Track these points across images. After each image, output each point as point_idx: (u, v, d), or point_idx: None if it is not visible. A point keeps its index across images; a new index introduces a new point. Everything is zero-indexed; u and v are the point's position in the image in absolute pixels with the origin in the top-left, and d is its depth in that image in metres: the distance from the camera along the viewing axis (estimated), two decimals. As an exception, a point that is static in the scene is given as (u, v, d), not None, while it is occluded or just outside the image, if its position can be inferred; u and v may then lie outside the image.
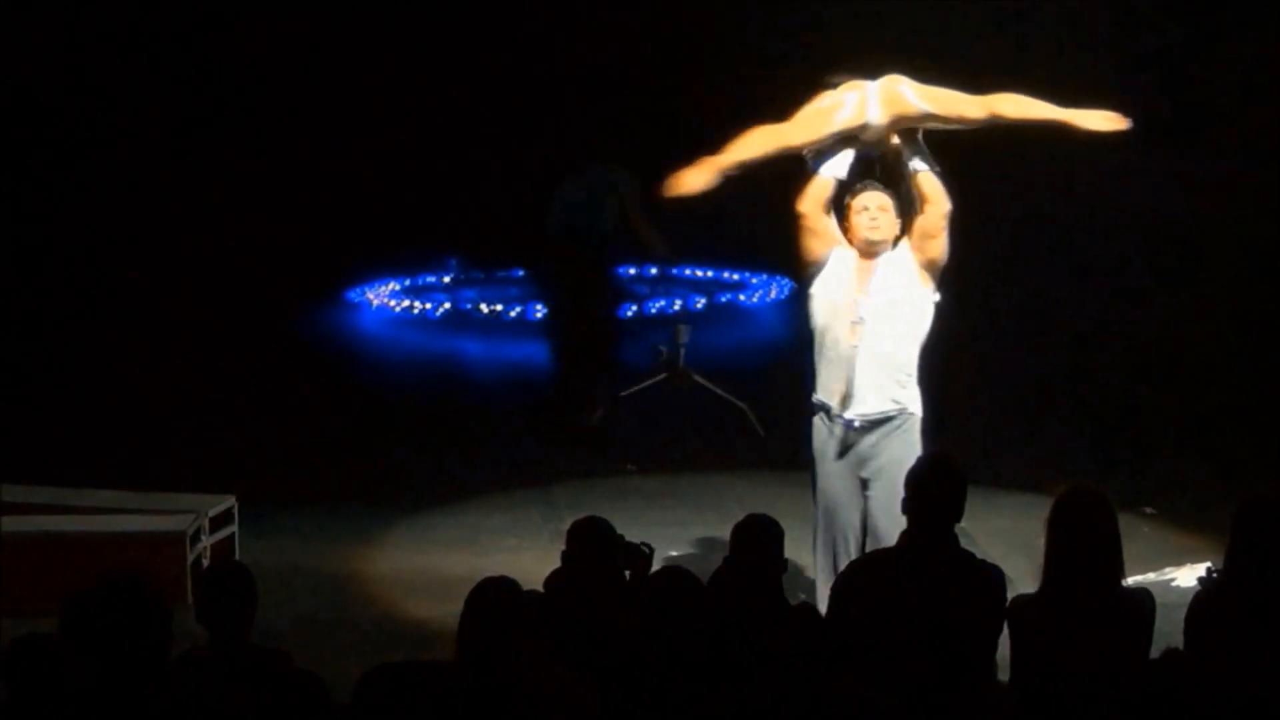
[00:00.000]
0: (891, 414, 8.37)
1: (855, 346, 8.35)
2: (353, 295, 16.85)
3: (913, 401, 8.43)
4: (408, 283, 17.20)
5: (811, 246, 8.51)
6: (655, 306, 16.34)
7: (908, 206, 8.49)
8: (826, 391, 8.43)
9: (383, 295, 16.90)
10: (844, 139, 8.50)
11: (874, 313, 8.37)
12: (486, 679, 5.45)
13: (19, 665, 5.44)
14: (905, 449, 8.30)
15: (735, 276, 17.01)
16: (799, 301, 8.66)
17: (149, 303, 14.72)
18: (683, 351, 10.55)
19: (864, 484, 8.40)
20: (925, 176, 8.42)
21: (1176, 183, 14.63)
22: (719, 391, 10.18)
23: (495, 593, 5.58)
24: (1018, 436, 12.69)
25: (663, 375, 10.51)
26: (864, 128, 8.43)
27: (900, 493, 7.61)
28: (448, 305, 16.63)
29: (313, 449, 12.39)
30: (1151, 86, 13.92)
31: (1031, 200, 15.15)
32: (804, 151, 8.56)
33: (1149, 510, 10.95)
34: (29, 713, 5.40)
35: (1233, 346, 13.58)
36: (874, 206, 8.42)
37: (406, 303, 16.66)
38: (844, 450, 8.39)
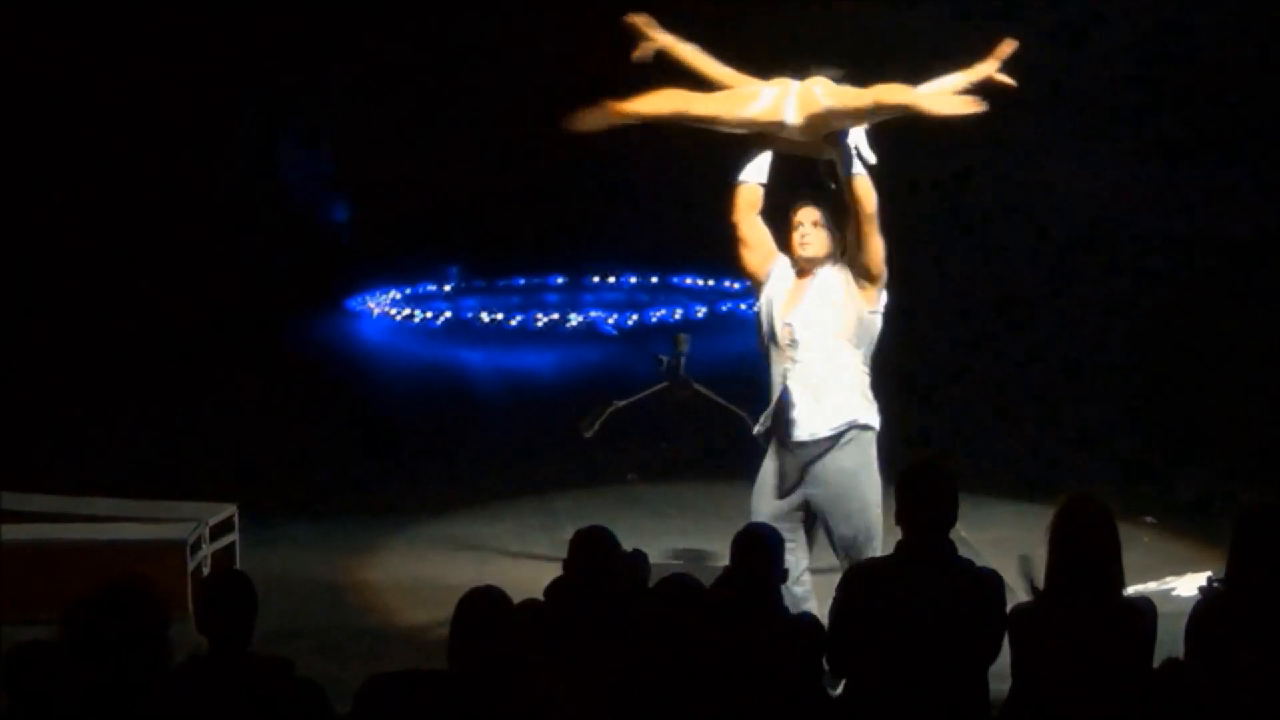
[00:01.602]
0: (839, 431, 8.25)
1: (788, 367, 8.29)
2: (353, 304, 16.88)
3: (863, 414, 8.28)
4: (408, 291, 17.23)
5: (749, 259, 8.44)
6: (656, 315, 16.37)
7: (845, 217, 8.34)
8: (766, 416, 8.39)
9: (383, 304, 16.93)
10: (759, 134, 8.40)
11: (806, 332, 8.28)
12: (482, 688, 5.46)
13: (20, 672, 5.45)
14: (856, 461, 8.26)
15: (736, 285, 17.03)
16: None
17: (149, 311, 14.73)
18: (683, 361, 10.53)
19: (807, 504, 8.33)
20: (851, 180, 8.20)
21: (1166, 192, 14.69)
22: (720, 401, 10.16)
23: (483, 603, 5.59)
24: (1017, 445, 12.71)
25: (663, 384, 10.50)
26: (780, 125, 8.29)
27: (856, 501, 8.03)
28: (448, 314, 16.65)
29: (313, 457, 12.41)
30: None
31: (1027, 208, 15.18)
32: (716, 126, 8.40)
33: (1149, 519, 10.95)
34: (30, 720, 5.41)
35: (1232, 353, 13.59)
36: (807, 222, 8.31)
37: (407, 311, 16.69)
38: (784, 473, 8.32)
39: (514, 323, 16.34)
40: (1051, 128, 14.51)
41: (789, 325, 8.28)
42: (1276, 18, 14.13)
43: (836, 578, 6.62)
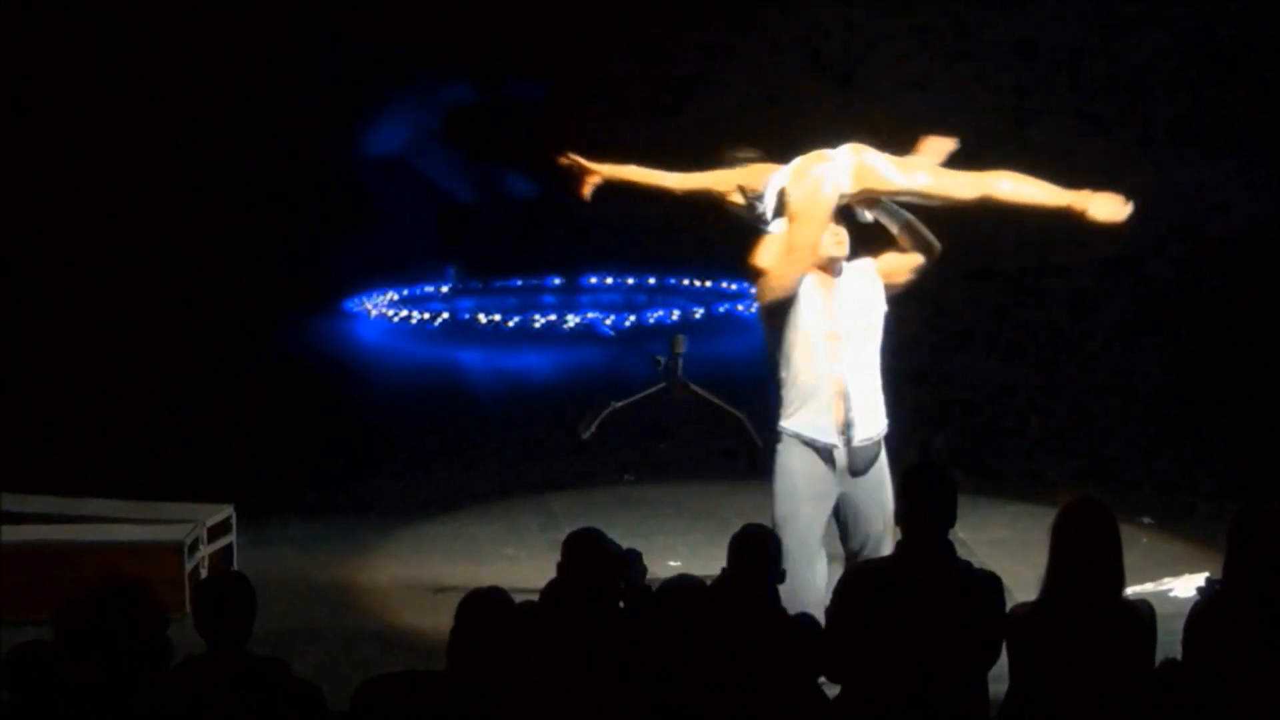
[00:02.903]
0: (884, 433, 8.34)
1: (840, 370, 8.25)
2: (350, 305, 16.87)
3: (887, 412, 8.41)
4: (406, 292, 17.24)
5: (786, 289, 8.34)
6: (653, 316, 16.37)
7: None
8: (813, 424, 8.27)
9: (381, 305, 16.93)
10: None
11: (854, 333, 8.31)
12: (480, 689, 5.46)
13: (19, 673, 5.45)
14: (885, 456, 8.33)
15: (733, 286, 17.04)
16: (766, 329, 8.42)
17: (148, 312, 14.73)
18: (680, 362, 10.54)
19: (847, 501, 8.32)
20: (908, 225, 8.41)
21: (1173, 189, 14.69)
22: (716, 402, 10.18)
23: (484, 604, 5.59)
24: (1016, 447, 12.71)
25: (660, 385, 10.52)
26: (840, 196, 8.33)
27: (887, 493, 8.05)
28: (446, 315, 16.66)
29: (311, 458, 12.40)
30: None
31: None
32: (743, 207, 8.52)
33: (1146, 520, 10.95)
34: (28, 720, 5.42)
35: (1232, 353, 13.60)
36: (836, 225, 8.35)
37: (405, 312, 16.68)
38: (822, 476, 8.26)
39: (511, 323, 16.35)
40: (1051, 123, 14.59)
41: (836, 329, 8.28)
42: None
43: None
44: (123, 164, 15.47)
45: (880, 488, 8.27)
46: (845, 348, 8.28)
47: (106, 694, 5.47)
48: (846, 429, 8.26)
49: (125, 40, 15.36)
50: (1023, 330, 14.79)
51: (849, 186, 8.33)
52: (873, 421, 8.31)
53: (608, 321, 16.36)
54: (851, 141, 8.45)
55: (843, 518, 8.36)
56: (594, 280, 17.62)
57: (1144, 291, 14.67)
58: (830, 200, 8.31)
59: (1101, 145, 14.65)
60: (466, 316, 16.56)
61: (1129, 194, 8.29)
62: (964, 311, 14.81)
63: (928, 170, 8.39)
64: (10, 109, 14.66)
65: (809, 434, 8.27)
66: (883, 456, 8.34)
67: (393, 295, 17.11)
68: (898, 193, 8.36)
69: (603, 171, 8.66)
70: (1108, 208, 8.36)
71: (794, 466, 8.28)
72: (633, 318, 16.34)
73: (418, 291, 17.33)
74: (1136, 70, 15.04)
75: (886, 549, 8.02)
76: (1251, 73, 14.75)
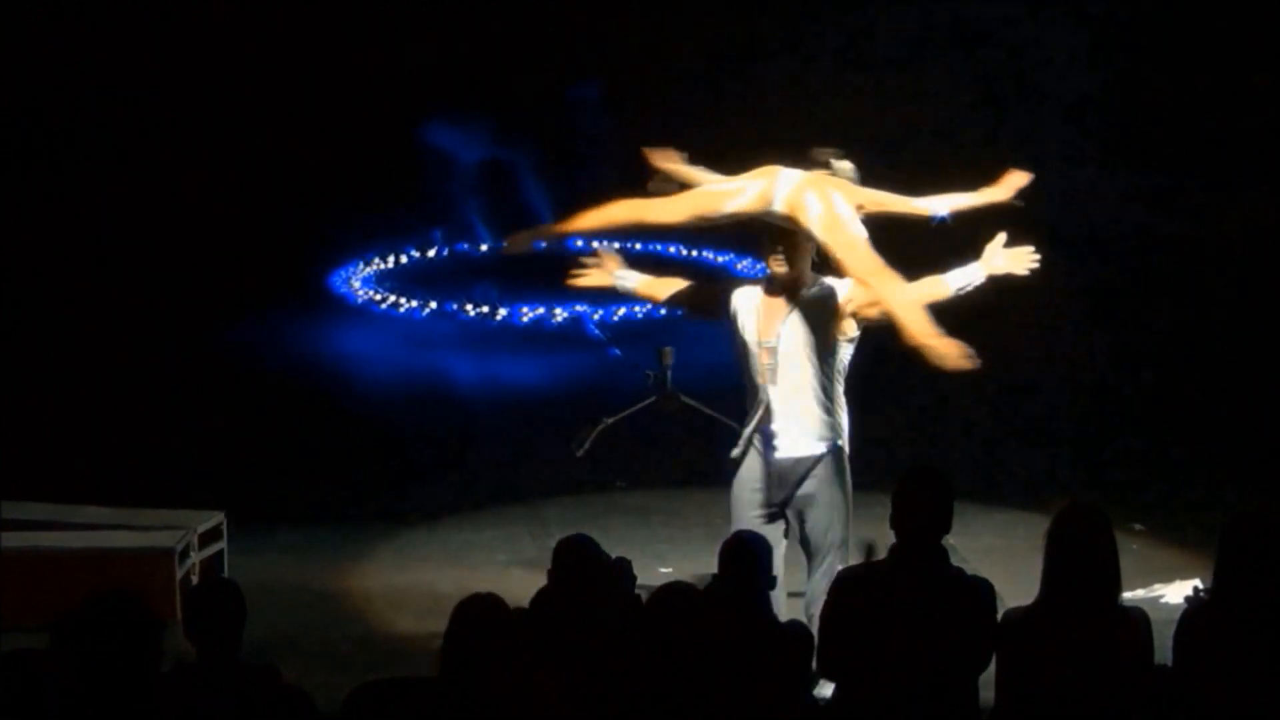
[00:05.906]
0: (819, 454, 8.29)
1: (769, 388, 8.25)
2: (337, 283, 16.54)
3: (839, 437, 8.34)
4: (390, 260, 16.91)
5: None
6: (640, 309, 16.24)
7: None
8: (747, 434, 8.34)
9: (368, 286, 16.58)
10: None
11: (786, 353, 8.26)
12: (471, 696, 5.45)
13: (9, 681, 5.44)
14: (832, 469, 8.29)
15: (719, 259, 16.87)
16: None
17: (135, 318, 14.69)
18: (669, 374, 10.50)
19: (790, 513, 8.33)
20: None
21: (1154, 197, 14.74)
22: (707, 411, 10.14)
23: (480, 610, 5.58)
24: (1008, 453, 12.71)
25: (651, 399, 10.49)
26: (765, 214, 8.23)
27: (825, 498, 8.19)
28: (434, 304, 16.41)
29: (301, 465, 12.38)
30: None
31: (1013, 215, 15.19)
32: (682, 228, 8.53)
33: (1138, 527, 10.96)
34: (18, 729, 5.41)
35: (1221, 361, 13.60)
36: (784, 242, 8.23)
37: (392, 299, 16.38)
38: (765, 478, 8.32)
39: (499, 315, 16.16)
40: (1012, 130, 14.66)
41: (768, 347, 8.26)
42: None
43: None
44: (109, 165, 15.41)
45: (813, 505, 8.28)
46: (778, 369, 8.25)
47: (97, 702, 5.46)
48: (767, 440, 8.28)
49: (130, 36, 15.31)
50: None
51: (782, 206, 8.22)
52: (802, 440, 8.28)
53: (595, 316, 16.21)
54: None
55: (793, 527, 8.40)
56: (579, 243, 17.30)
57: (1127, 296, 14.67)
58: (739, 206, 8.30)
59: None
60: (453, 307, 16.30)
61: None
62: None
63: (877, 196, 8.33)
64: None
65: (738, 449, 8.39)
66: (823, 475, 8.27)
67: (378, 262, 16.77)
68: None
69: (680, 172, 8.50)
70: (1008, 188, 8.51)
71: (741, 469, 8.39)
72: (621, 310, 16.19)
73: (405, 252, 17.00)
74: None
75: (832, 565, 8.13)
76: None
